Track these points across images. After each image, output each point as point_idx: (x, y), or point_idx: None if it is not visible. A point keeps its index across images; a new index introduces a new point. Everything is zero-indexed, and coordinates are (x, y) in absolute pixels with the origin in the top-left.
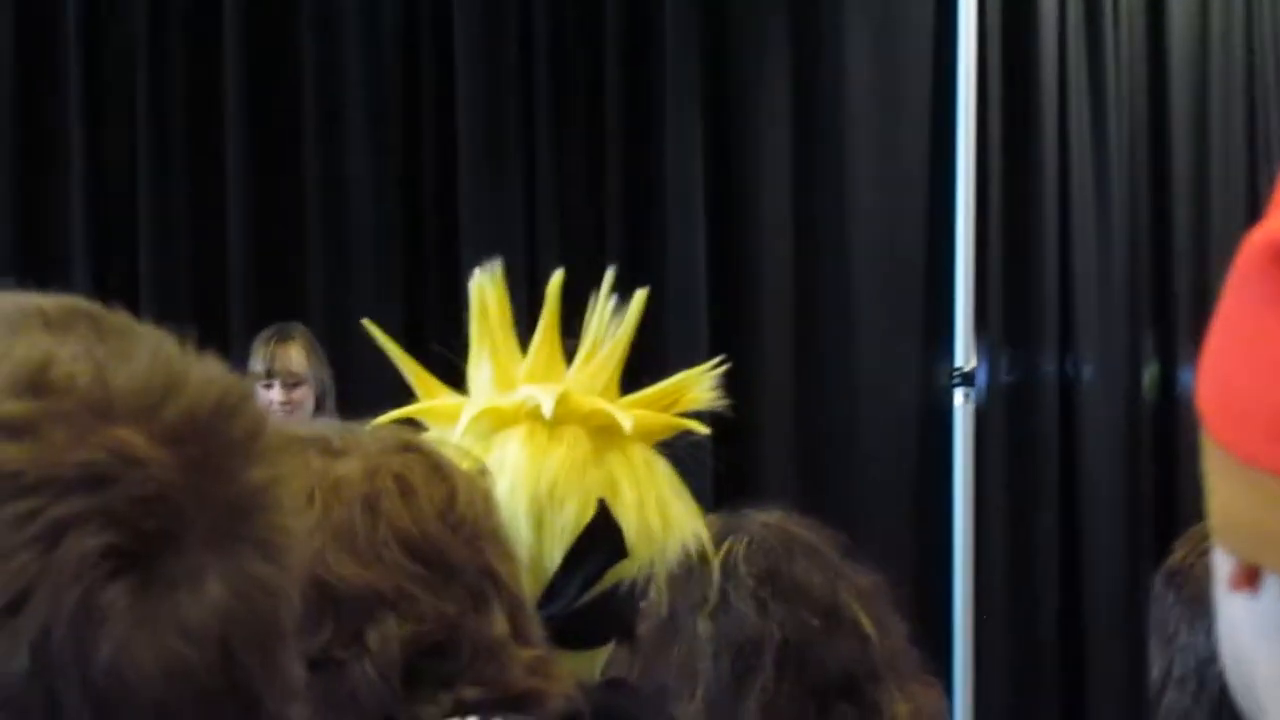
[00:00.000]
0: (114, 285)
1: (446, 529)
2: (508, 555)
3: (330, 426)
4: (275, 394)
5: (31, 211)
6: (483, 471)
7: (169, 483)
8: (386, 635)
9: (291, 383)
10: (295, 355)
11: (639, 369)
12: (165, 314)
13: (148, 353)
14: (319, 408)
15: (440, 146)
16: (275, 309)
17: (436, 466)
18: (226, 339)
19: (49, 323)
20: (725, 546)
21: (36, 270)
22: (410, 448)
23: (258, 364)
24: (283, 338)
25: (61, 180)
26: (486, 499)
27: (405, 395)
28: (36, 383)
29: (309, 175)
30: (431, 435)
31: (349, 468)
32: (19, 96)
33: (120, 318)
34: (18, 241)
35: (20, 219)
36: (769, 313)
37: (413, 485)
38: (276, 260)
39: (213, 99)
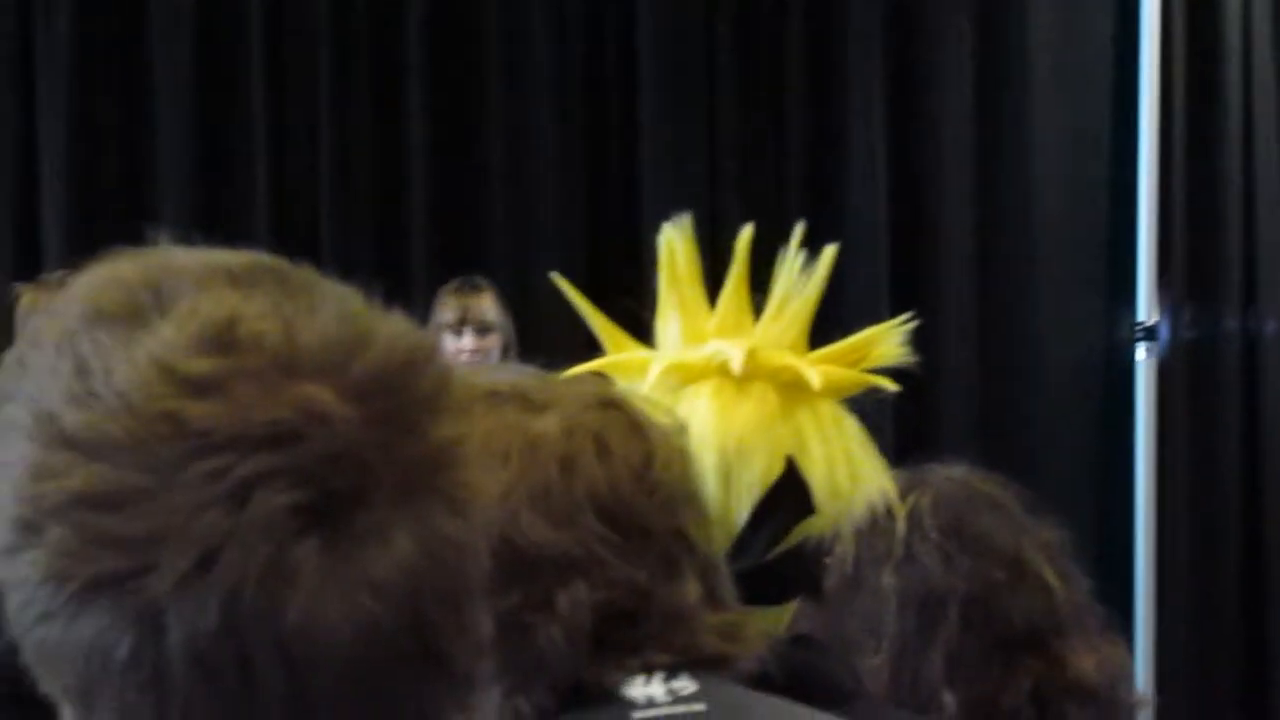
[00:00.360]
0: (297, 241)
1: (642, 492)
2: (702, 519)
3: (530, 377)
4: (466, 341)
5: (213, 167)
6: (681, 429)
7: (356, 439)
8: (576, 600)
9: (482, 330)
10: (486, 303)
11: (821, 325)
12: (348, 270)
13: (334, 309)
14: (503, 358)
15: (623, 101)
16: (457, 264)
17: (635, 425)
18: (409, 295)
19: (235, 279)
20: (910, 500)
21: (220, 226)
22: (610, 404)
23: (447, 313)
24: (473, 286)
25: (244, 135)
26: (683, 459)
27: (589, 352)
28: (223, 340)
29: (491, 129)
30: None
31: (547, 424)
32: (201, 59)
33: (306, 273)
34: (201, 199)
35: (203, 174)
36: (950, 268)
37: (610, 446)
38: (458, 215)
39: (395, 54)
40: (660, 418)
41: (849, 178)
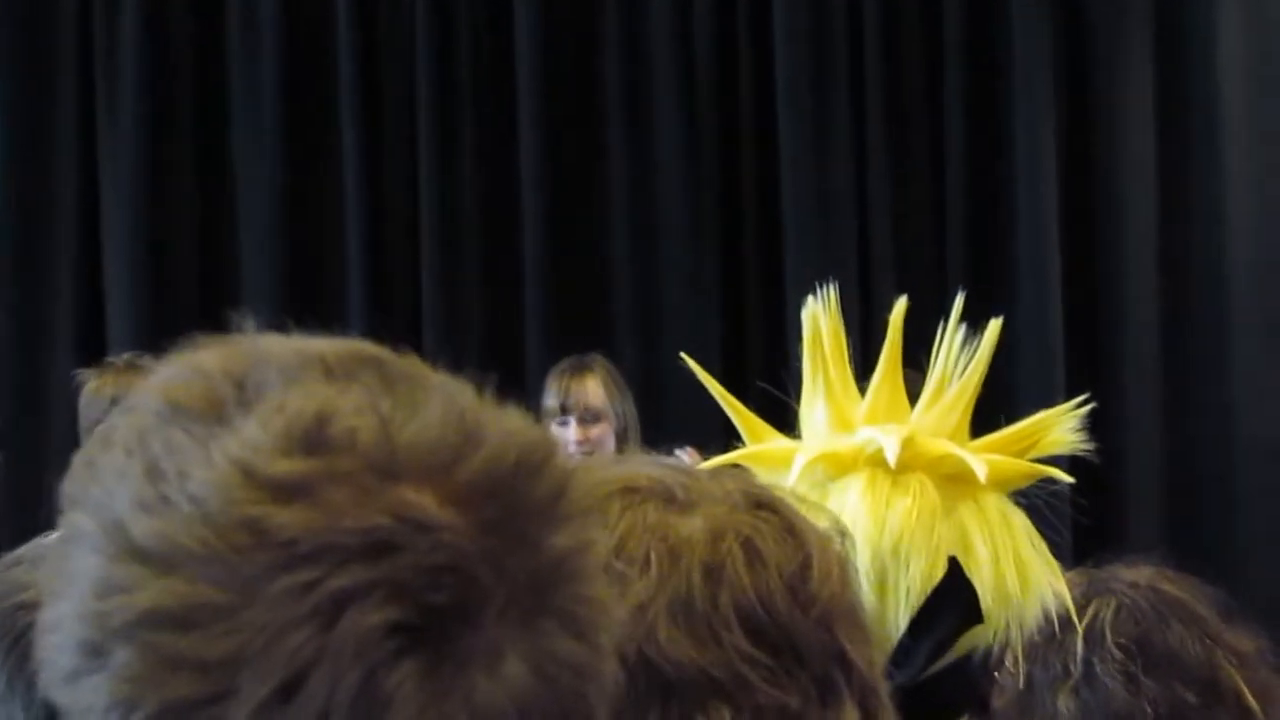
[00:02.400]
0: (394, 318)
1: (796, 606)
2: (864, 637)
3: (673, 471)
4: (571, 432)
5: (302, 243)
6: (841, 533)
7: (462, 550)
8: None
9: (589, 417)
10: (593, 388)
11: (986, 408)
12: (456, 358)
13: (440, 403)
14: (620, 447)
15: (759, 146)
16: (577, 345)
17: (790, 529)
18: (523, 384)
19: (330, 371)
20: (1090, 611)
21: (312, 310)
22: (762, 503)
23: (551, 399)
24: (578, 369)
25: (334, 207)
26: (844, 569)
27: (724, 437)
28: (313, 438)
29: (614, 179)
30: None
31: (692, 526)
32: (287, 126)
33: (409, 364)
34: (290, 278)
35: (292, 250)
36: (1133, 341)
37: (762, 552)
38: (577, 290)
39: (506, 113)
40: (817, 520)
41: (1017, 236)
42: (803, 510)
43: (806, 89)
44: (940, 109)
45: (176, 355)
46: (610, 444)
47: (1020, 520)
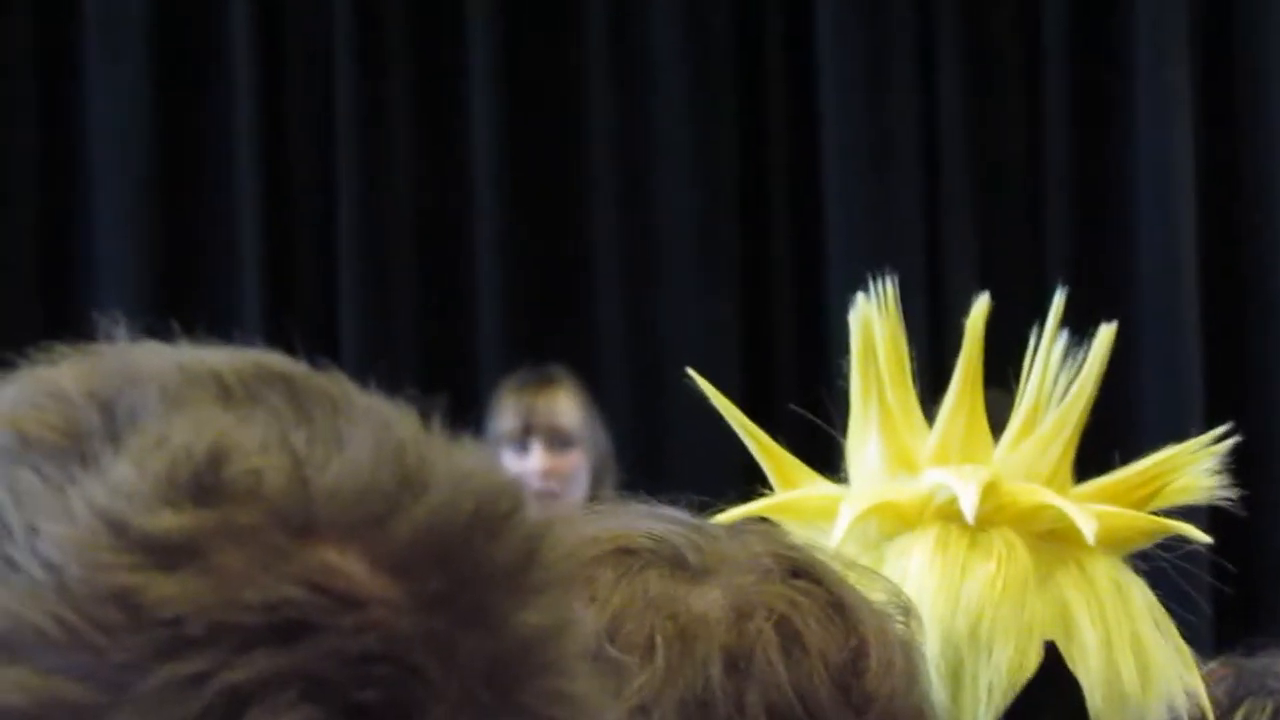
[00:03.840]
0: (300, 320)
1: (848, 708)
2: None
3: (684, 526)
4: (534, 460)
5: (175, 199)
6: (904, 610)
7: (400, 632)
8: None
9: (559, 443)
10: (563, 404)
11: (1096, 441)
12: (378, 362)
13: (370, 436)
14: (596, 489)
15: (791, 81)
16: (543, 354)
17: (838, 605)
18: (474, 402)
19: (227, 392)
20: (1239, 717)
21: (185, 292)
22: (799, 570)
23: (507, 418)
24: (542, 380)
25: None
26: (907, 658)
27: (745, 481)
28: (205, 483)
29: (595, 107)
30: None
31: (709, 601)
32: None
33: (330, 382)
34: (155, 255)
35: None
36: None
37: (802, 636)
38: (546, 273)
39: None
40: (872, 592)
41: (1137, 215)
42: (853, 580)
43: (855, 9)
44: (1037, 37)
45: (19, 371)
46: (583, 480)
47: (1140, 593)
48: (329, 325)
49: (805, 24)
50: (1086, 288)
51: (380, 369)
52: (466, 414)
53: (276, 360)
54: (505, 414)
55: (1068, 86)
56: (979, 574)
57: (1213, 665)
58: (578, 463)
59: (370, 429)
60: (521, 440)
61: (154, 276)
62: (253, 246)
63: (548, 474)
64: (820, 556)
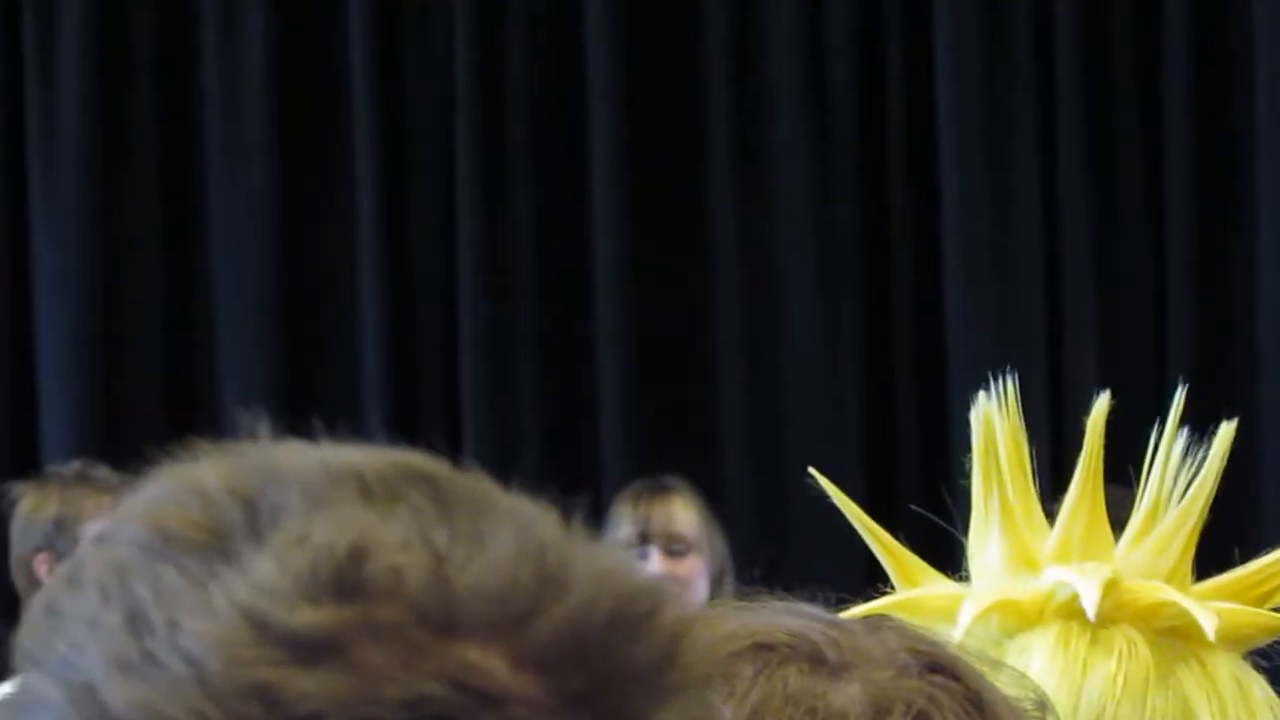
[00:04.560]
0: (424, 422)
1: None
2: None
3: (821, 623)
4: (652, 567)
5: (296, 282)
6: (1041, 705)
7: None
8: None
9: (677, 550)
10: (681, 511)
11: (1217, 538)
12: (503, 467)
13: (511, 536)
14: (714, 593)
15: (912, 174)
16: (663, 457)
17: (977, 701)
18: (599, 503)
19: (368, 490)
20: None
21: (306, 391)
22: (939, 666)
23: (625, 525)
24: (657, 490)
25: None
26: None
27: (867, 580)
28: (347, 581)
29: (716, 212)
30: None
31: (848, 697)
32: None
33: (471, 482)
34: (280, 353)
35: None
36: None
37: None
38: (666, 375)
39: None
40: (1007, 688)
41: (1259, 307)
42: (988, 674)
43: (976, 101)
44: (1158, 131)
45: (161, 469)
46: (703, 587)
47: (1260, 689)
48: (453, 435)
49: (927, 118)
50: (1207, 385)
51: (504, 477)
52: (592, 522)
53: (419, 459)
54: (623, 522)
55: (1189, 182)
56: (1100, 671)
57: None
58: (695, 568)
59: (511, 528)
60: (639, 548)
61: (277, 381)
62: (375, 358)
63: (666, 580)
64: (957, 652)
